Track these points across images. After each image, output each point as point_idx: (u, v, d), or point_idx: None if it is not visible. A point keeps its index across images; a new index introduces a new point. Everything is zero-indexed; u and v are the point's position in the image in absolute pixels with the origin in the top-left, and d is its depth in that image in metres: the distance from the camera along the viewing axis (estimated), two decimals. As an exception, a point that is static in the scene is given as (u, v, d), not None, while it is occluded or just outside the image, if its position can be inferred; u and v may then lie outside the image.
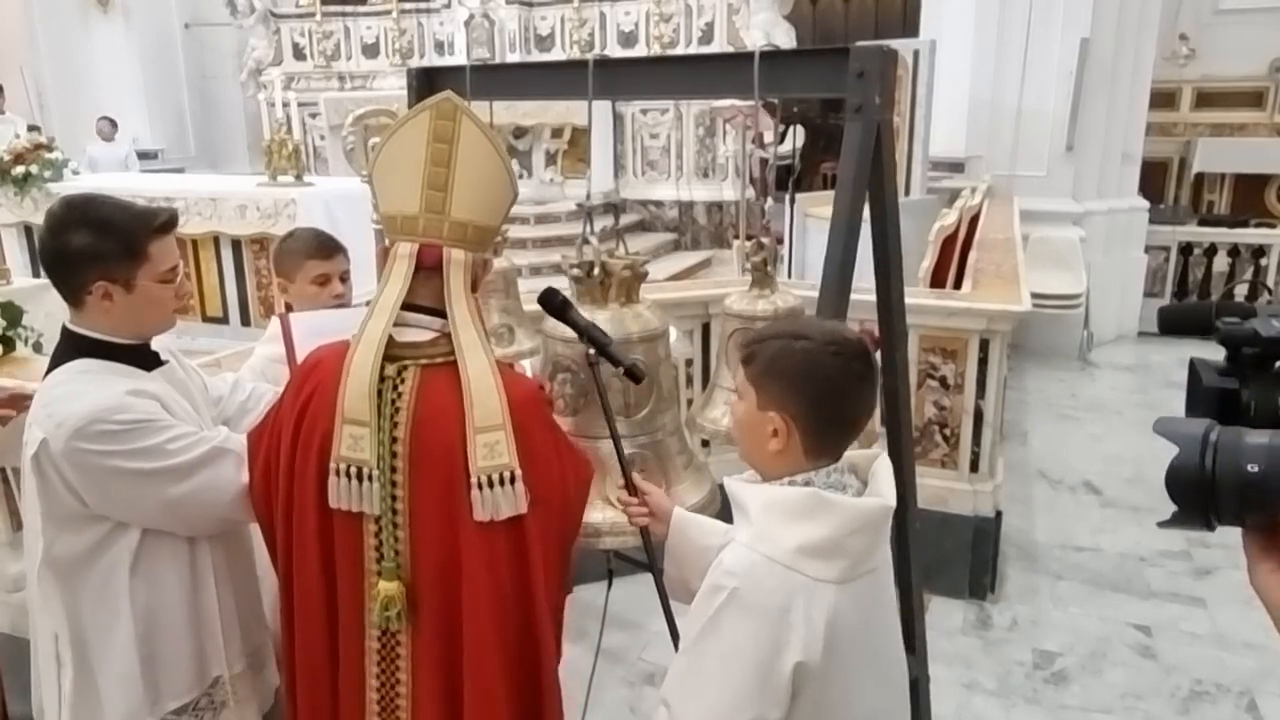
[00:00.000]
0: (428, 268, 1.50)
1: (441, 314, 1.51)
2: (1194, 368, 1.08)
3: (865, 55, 1.90)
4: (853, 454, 1.46)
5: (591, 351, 1.77)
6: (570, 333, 1.87)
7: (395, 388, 1.48)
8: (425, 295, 1.51)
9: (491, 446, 1.45)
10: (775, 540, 1.32)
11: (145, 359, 1.78)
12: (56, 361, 1.73)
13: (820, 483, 1.38)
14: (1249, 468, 0.81)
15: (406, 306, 1.50)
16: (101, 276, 1.67)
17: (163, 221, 1.72)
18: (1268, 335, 1.31)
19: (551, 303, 1.85)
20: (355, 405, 1.46)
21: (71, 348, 1.73)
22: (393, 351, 1.48)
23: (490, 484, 1.44)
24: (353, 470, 1.47)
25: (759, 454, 1.43)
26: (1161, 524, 0.88)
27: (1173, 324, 7.89)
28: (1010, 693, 3.30)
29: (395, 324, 1.48)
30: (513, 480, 1.45)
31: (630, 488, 1.70)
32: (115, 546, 1.71)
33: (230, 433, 1.78)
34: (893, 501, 1.37)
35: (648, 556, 1.67)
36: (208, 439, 1.71)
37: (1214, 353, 1.52)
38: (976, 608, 3.83)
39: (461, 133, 1.48)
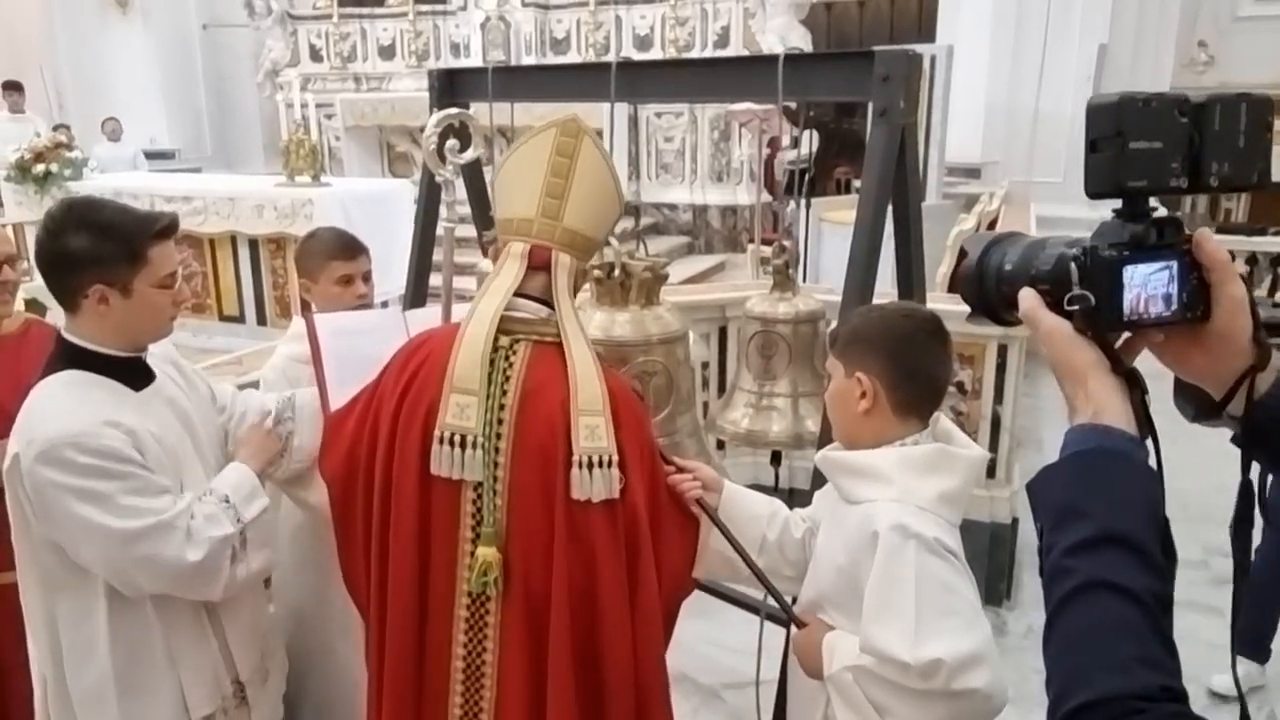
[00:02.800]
0: (535, 267, 1.60)
1: (546, 303, 1.62)
2: None
3: (890, 59, 1.90)
4: None
5: None
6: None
7: (507, 358, 1.57)
8: (533, 288, 1.62)
9: (592, 430, 1.52)
10: (919, 492, 1.46)
11: (136, 374, 1.74)
12: (48, 370, 1.69)
13: (926, 442, 1.52)
14: (1005, 266, 0.94)
15: (516, 295, 1.61)
16: (99, 280, 1.62)
17: (163, 226, 1.68)
18: None
19: None
20: (466, 374, 1.54)
21: (63, 357, 1.69)
22: (507, 326, 1.58)
23: (590, 465, 1.51)
24: (456, 438, 1.52)
25: (851, 421, 1.56)
26: (968, 318, 1.02)
27: None
28: (1026, 699, 3.26)
29: (506, 307, 1.59)
30: (609, 464, 1.52)
31: (676, 467, 1.73)
32: (92, 582, 1.67)
33: (191, 501, 1.70)
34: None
35: (723, 532, 1.67)
36: (157, 509, 1.62)
37: None
38: (992, 615, 3.81)
39: (581, 150, 1.60)
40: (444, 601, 1.59)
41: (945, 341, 1.55)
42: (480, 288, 1.64)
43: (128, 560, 1.62)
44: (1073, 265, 0.85)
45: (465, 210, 2.55)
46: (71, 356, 1.68)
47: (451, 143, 2.14)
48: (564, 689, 1.54)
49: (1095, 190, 0.83)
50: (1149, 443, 0.86)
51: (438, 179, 2.29)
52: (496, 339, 1.57)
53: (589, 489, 1.51)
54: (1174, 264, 0.84)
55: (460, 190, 2.33)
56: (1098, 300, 0.83)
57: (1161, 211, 0.88)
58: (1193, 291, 0.84)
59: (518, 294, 1.60)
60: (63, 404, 1.63)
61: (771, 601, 1.90)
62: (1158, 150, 0.80)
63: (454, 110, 2.24)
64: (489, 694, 1.59)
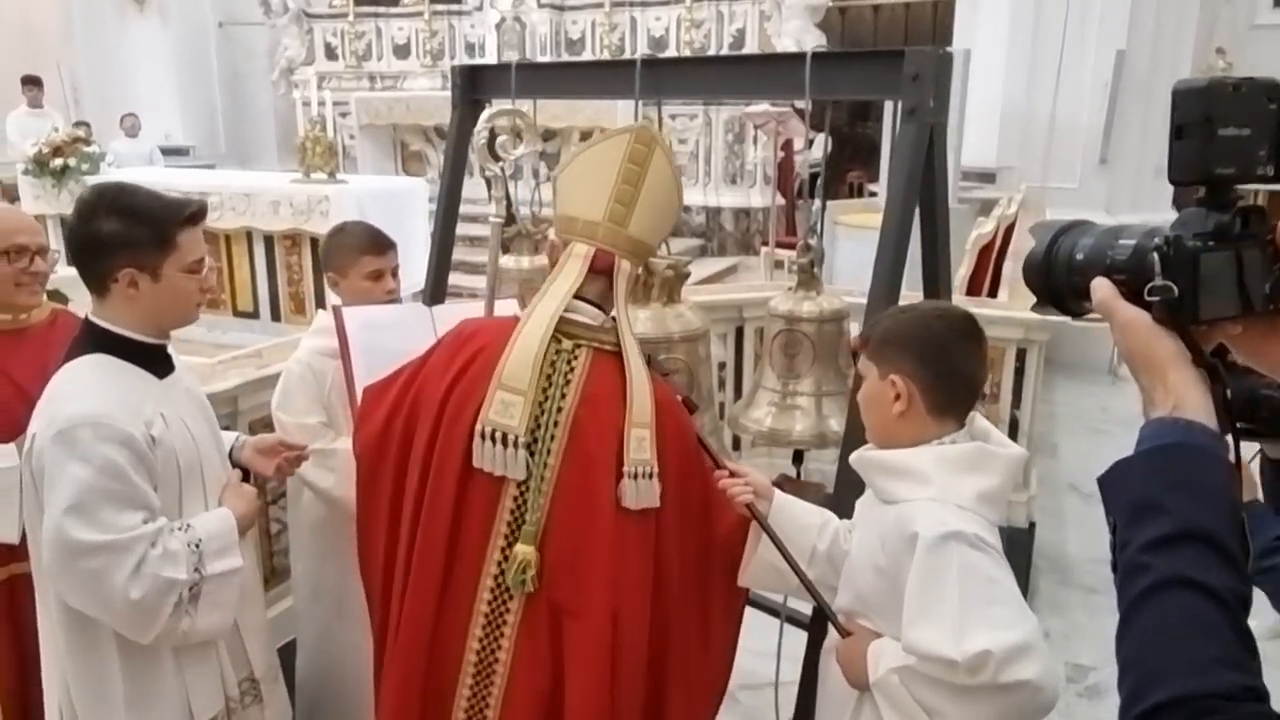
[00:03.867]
0: (597, 271, 1.63)
1: (601, 308, 1.65)
2: None
3: (920, 58, 1.89)
4: None
5: None
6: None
7: (569, 362, 1.60)
8: (590, 291, 1.64)
9: (640, 441, 1.56)
10: (958, 491, 1.44)
11: (159, 361, 1.76)
12: (72, 353, 1.71)
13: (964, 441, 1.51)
14: (1077, 255, 0.91)
15: (574, 297, 1.63)
16: (130, 263, 1.65)
17: (192, 212, 1.72)
18: None
19: None
20: (516, 372, 1.56)
21: (90, 340, 1.70)
22: (568, 329, 1.61)
23: (636, 475, 1.55)
24: (497, 435, 1.54)
25: (886, 423, 1.54)
26: (1033, 307, 1.00)
27: None
28: (1042, 705, 3.26)
29: (566, 310, 1.62)
30: (650, 476, 1.56)
31: (729, 471, 1.72)
32: None
33: (162, 528, 1.61)
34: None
35: (772, 539, 1.66)
36: (120, 527, 1.55)
37: None
38: (1007, 619, 3.78)
39: (653, 160, 1.63)
40: (465, 594, 1.59)
41: (980, 341, 1.54)
42: (540, 288, 1.67)
43: (70, 570, 1.56)
44: (1155, 255, 0.82)
45: (481, 210, 2.55)
46: (98, 340, 1.70)
47: (504, 139, 2.15)
48: (598, 700, 1.54)
49: (1180, 177, 0.81)
50: (1229, 438, 0.83)
51: (487, 174, 2.30)
52: (559, 341, 1.59)
53: (635, 498, 1.55)
54: (1258, 255, 0.82)
55: (492, 188, 2.33)
56: (1181, 291, 0.80)
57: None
58: (1275, 283, 0.82)
59: (576, 296, 1.62)
60: (87, 387, 1.64)
61: (792, 605, 1.90)
62: (1246, 137, 0.78)
63: (510, 108, 2.25)
64: (498, 690, 1.59)
